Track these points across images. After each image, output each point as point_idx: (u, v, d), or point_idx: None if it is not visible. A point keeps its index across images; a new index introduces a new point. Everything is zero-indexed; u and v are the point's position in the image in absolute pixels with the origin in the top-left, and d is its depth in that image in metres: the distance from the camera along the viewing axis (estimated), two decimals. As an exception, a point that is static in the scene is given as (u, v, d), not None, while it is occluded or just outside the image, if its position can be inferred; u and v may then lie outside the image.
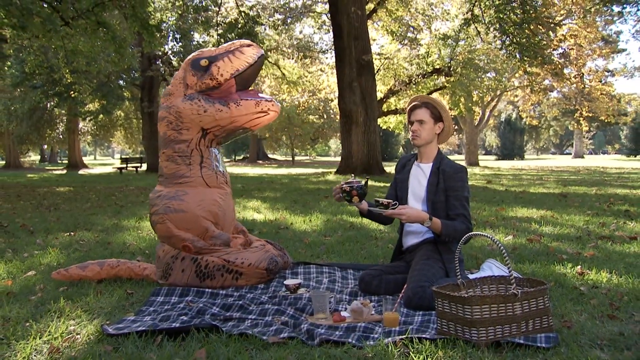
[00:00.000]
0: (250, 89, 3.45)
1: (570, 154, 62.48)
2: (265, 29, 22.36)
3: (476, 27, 18.09)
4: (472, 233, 2.56)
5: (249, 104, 3.26)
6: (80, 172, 26.74)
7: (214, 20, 19.74)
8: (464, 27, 18.25)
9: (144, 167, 23.81)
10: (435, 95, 23.19)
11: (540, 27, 17.36)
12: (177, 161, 3.34)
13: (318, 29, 23.52)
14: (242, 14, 18.62)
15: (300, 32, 27.03)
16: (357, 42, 15.07)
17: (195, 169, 3.33)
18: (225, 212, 3.42)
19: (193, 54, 3.41)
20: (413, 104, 3.15)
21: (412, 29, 22.20)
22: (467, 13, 18.00)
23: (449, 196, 3.02)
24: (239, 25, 17.91)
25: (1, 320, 2.64)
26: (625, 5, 17.17)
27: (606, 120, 31.80)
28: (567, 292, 2.96)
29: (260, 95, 3.35)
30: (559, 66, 21.91)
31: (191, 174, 3.32)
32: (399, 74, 22.03)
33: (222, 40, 17.75)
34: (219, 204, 3.36)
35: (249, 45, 3.30)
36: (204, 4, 19.38)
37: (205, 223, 3.26)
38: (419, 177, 3.14)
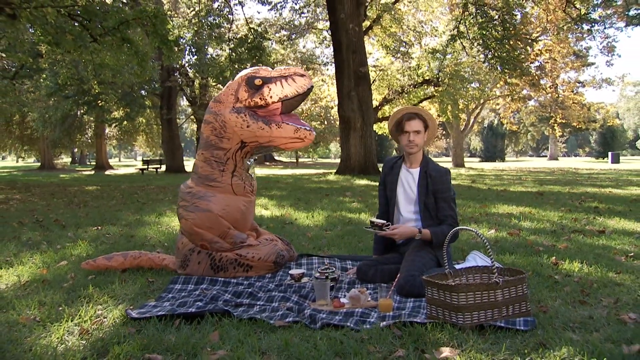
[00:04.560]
0: (292, 113, 3.30)
1: (546, 156, 62.34)
2: (272, 44, 22.36)
3: (462, 43, 18.05)
4: (458, 228, 2.57)
5: (289, 128, 3.14)
6: (107, 172, 26.75)
7: (226, 36, 19.73)
8: (451, 43, 18.21)
9: (163, 168, 23.80)
10: (424, 103, 23.19)
11: (519, 43, 17.36)
12: (212, 165, 3.27)
13: (319, 43, 23.49)
14: (252, 30, 18.59)
15: (304, 47, 27.03)
16: (354, 56, 15.05)
17: (227, 176, 3.27)
18: (246, 218, 3.40)
19: (250, 70, 3.26)
20: (407, 114, 3.07)
21: (404, 43, 22.15)
22: (453, 30, 17.96)
23: (437, 198, 3.01)
24: (249, 40, 17.89)
25: (37, 305, 2.64)
26: (593, 24, 17.25)
27: (578, 126, 31.80)
28: (543, 280, 2.96)
29: (301, 121, 3.21)
30: (536, 78, 21.92)
31: (222, 180, 3.27)
32: (392, 84, 22.00)
33: (234, 53, 17.72)
34: (242, 211, 3.33)
35: (302, 75, 3.17)
36: (217, 21, 19.36)
37: (226, 225, 3.24)
38: (409, 181, 3.12)
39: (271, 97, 3.12)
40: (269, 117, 3.18)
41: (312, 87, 3.24)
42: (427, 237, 2.93)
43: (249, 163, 3.43)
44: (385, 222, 2.94)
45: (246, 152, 3.30)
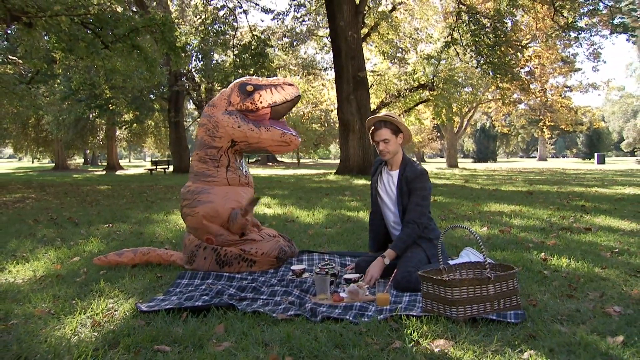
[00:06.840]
0: (280, 120, 3.39)
1: (535, 157, 62.28)
2: (274, 50, 22.32)
3: (455, 49, 18.05)
4: (452, 225, 2.56)
5: (276, 132, 3.23)
6: (117, 172, 26.74)
7: (231, 43, 19.71)
8: (445, 49, 18.22)
9: (171, 168, 23.79)
10: (420, 107, 23.17)
11: (510, 49, 17.34)
12: (207, 162, 3.32)
13: (320, 50, 23.46)
14: (255, 37, 18.55)
15: (305, 53, 26.86)
16: (353, 61, 15.04)
17: (222, 171, 3.32)
18: None
19: (243, 78, 3.38)
20: (373, 125, 3.03)
21: (400, 50, 22.14)
22: (447, 37, 17.96)
23: (411, 195, 2.95)
24: (252, 47, 17.86)
25: (52, 298, 2.65)
26: (580, 32, 17.27)
27: (565, 129, 31.81)
28: (533, 275, 2.96)
29: (288, 127, 3.31)
30: (526, 82, 21.90)
31: (218, 175, 3.31)
32: (389, 89, 21.98)
33: (238, 59, 17.72)
34: (242, 195, 3.36)
35: (290, 85, 3.27)
36: (222, 28, 19.35)
37: (230, 207, 3.24)
38: (390, 183, 3.08)
39: (261, 102, 3.22)
40: (259, 121, 3.26)
41: (300, 96, 3.32)
42: (393, 255, 2.87)
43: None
44: (358, 275, 2.84)
45: (236, 151, 3.35)
